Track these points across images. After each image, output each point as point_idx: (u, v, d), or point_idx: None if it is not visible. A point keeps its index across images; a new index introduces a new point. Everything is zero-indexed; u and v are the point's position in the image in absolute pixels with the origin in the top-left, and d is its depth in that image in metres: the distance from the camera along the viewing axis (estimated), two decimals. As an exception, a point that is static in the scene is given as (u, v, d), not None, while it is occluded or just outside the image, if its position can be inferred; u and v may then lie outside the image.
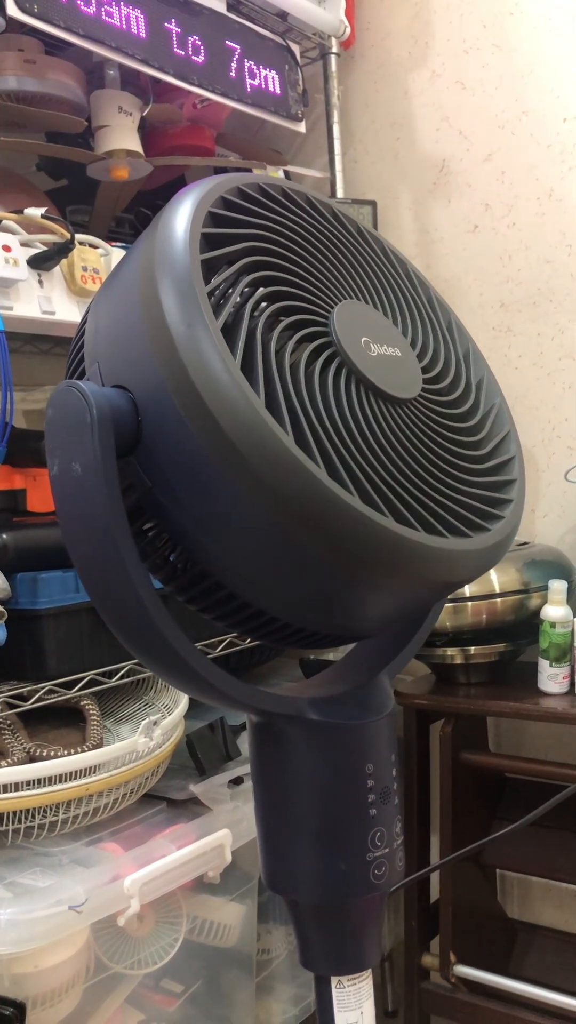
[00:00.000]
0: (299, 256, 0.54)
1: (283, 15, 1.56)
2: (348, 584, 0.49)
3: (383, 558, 0.47)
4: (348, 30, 1.67)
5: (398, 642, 0.66)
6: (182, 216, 0.50)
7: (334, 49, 1.71)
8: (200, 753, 1.28)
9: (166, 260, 0.48)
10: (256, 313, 0.49)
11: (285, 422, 0.45)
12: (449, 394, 0.57)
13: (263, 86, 1.52)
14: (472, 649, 1.46)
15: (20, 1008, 1.00)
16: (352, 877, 0.58)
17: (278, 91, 1.55)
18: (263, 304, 0.50)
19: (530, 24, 1.60)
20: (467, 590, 1.40)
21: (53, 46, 1.32)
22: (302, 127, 1.62)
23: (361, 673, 0.65)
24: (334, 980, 0.64)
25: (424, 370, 0.56)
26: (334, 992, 0.64)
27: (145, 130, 1.48)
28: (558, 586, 1.37)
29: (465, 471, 0.54)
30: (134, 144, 1.42)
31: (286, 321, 0.51)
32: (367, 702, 0.61)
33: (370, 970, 0.65)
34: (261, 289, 0.51)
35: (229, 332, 0.47)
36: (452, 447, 0.55)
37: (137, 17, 1.30)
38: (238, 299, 0.49)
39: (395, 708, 0.62)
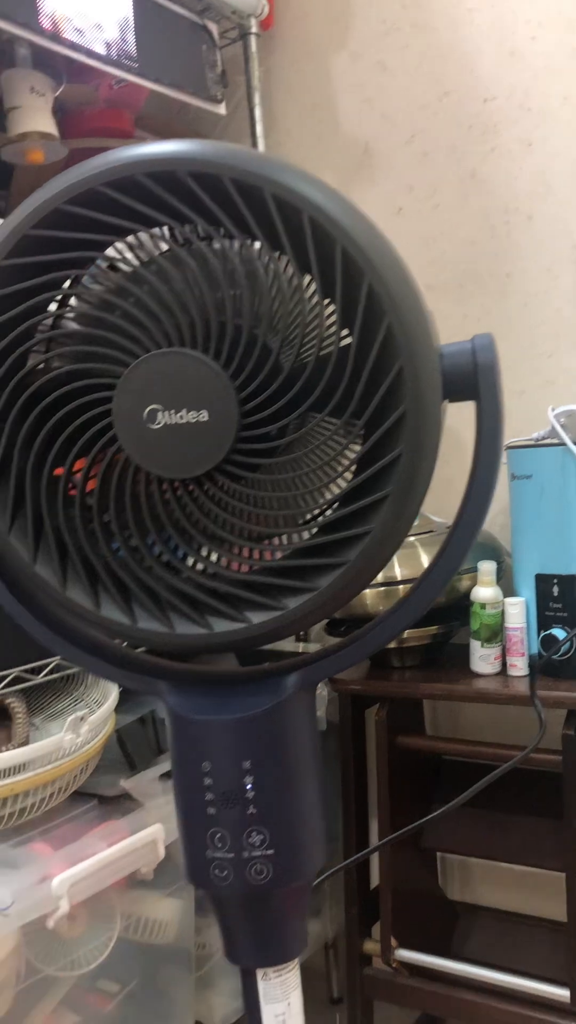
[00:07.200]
0: (108, 302, 0.51)
1: (199, -6, 1.53)
2: None
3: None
4: (266, 9, 1.65)
5: (330, 647, 0.62)
6: None
7: (254, 29, 1.68)
8: (130, 747, 1.26)
9: None
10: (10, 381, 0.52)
11: (7, 506, 0.54)
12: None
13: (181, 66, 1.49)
14: (405, 633, 1.45)
15: (-55, 1017, 0.97)
16: (195, 870, 0.59)
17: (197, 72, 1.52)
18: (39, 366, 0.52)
19: (449, 3, 1.60)
20: (398, 573, 1.39)
21: (-41, 23, 1.28)
22: (222, 108, 1.59)
23: (258, 668, 0.63)
24: (259, 972, 0.62)
25: (250, 412, 0.51)
26: (260, 984, 0.63)
27: (62, 112, 1.44)
28: (487, 567, 1.37)
29: (238, 550, 0.54)
30: (48, 126, 1.38)
31: (52, 396, 0.51)
32: (229, 697, 0.59)
33: (296, 960, 0.64)
34: (38, 356, 0.52)
35: None
36: (238, 521, 0.53)
37: (46, -7, 1.26)
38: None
39: (264, 714, 0.58)
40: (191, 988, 1.36)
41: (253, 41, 1.69)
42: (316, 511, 0.56)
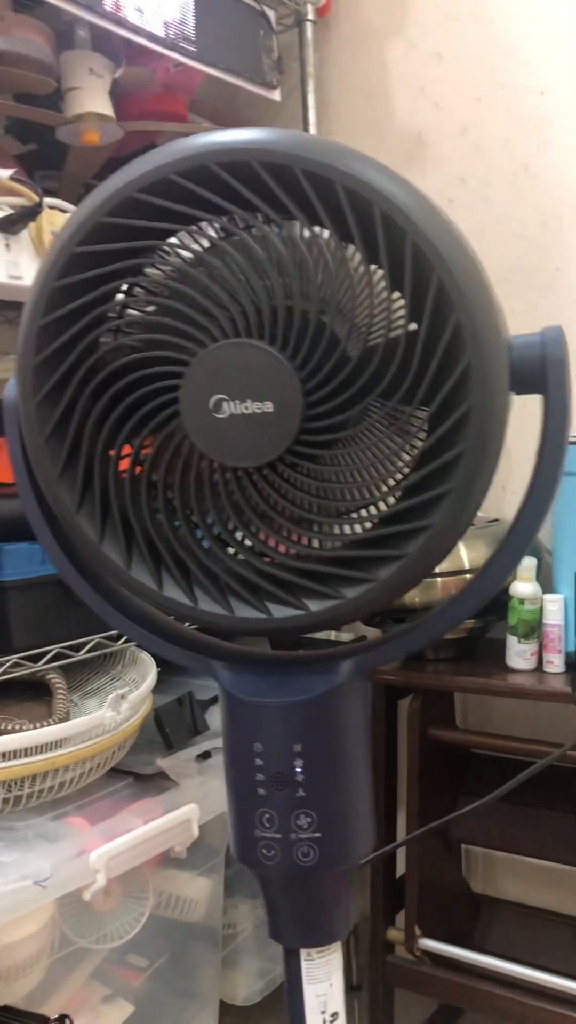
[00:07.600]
0: (177, 290, 0.51)
1: (258, -21, 1.53)
2: None
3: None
4: (324, -4, 1.65)
5: (384, 636, 0.64)
6: (70, 224, 0.52)
7: (310, 16, 1.68)
8: (168, 727, 1.27)
9: (36, 277, 0.52)
10: (87, 367, 0.53)
11: (76, 487, 0.55)
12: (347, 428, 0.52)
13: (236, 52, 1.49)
14: (441, 625, 1.45)
15: (-17, 983, 0.99)
16: (243, 848, 0.60)
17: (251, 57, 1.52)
18: (110, 350, 0.53)
19: (508, -5, 1.59)
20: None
21: (22, 4, 1.29)
22: (276, 95, 1.59)
23: (314, 652, 0.64)
24: (303, 952, 0.63)
25: (314, 404, 0.51)
26: (303, 964, 0.64)
27: (117, 94, 1.44)
28: (527, 563, 1.37)
29: (298, 539, 0.55)
30: (105, 107, 1.38)
31: (122, 382, 0.53)
32: (283, 680, 0.59)
33: (339, 943, 0.65)
34: (108, 339, 0.53)
35: (52, 394, 0.54)
36: (297, 509, 0.53)
37: (109, -25, 1.27)
38: (72, 344, 0.53)
39: (316, 699, 0.58)
40: (217, 966, 1.38)
41: (309, 28, 1.69)
42: (377, 503, 0.57)
